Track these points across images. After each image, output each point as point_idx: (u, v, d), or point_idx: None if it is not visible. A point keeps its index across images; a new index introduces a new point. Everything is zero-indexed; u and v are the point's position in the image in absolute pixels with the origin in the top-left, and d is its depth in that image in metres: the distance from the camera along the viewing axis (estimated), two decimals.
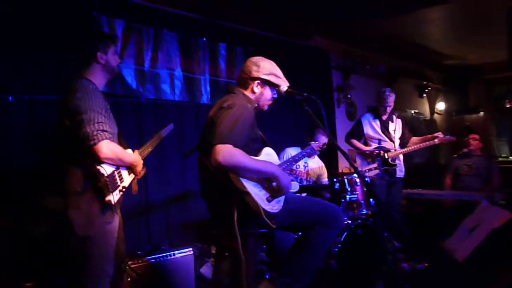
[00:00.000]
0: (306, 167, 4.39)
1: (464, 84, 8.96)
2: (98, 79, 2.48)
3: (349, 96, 6.27)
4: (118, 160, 2.37)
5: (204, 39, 4.44)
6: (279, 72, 2.59)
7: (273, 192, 2.37)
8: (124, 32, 3.81)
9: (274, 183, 2.37)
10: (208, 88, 4.46)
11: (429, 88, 7.95)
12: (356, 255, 3.39)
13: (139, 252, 3.38)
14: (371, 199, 3.71)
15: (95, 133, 2.25)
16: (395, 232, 4.09)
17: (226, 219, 2.30)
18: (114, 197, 2.35)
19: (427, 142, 4.58)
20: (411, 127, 7.33)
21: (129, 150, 2.59)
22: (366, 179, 3.78)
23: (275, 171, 2.35)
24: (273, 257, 2.88)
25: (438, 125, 8.62)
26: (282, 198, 2.43)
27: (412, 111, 7.85)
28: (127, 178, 2.50)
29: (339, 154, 5.93)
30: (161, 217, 4.06)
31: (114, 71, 2.59)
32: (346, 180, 3.64)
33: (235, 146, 2.19)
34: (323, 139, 4.15)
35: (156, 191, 4.04)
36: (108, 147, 2.28)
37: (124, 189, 2.46)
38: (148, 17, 4.01)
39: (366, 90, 6.55)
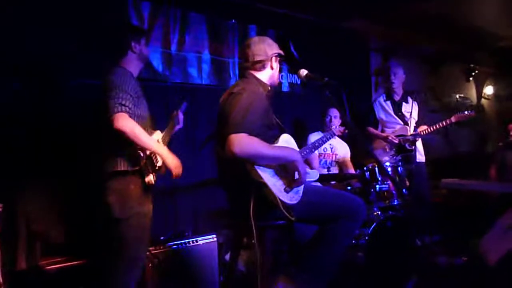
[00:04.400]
0: (334, 151, 4.23)
1: None
2: (132, 67, 2.67)
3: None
4: (134, 137, 2.39)
5: (234, 21, 4.32)
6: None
7: (290, 182, 2.26)
8: (150, 14, 3.74)
9: (290, 173, 2.26)
10: (237, 72, 4.34)
11: (477, 71, 7.46)
12: (386, 247, 3.23)
13: (161, 238, 3.35)
14: (403, 190, 3.52)
15: (114, 105, 2.36)
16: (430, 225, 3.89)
17: (243, 210, 2.23)
18: (153, 177, 2.49)
19: (443, 122, 4.25)
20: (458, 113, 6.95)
21: (158, 132, 2.73)
22: (388, 168, 3.56)
23: (294, 156, 2.26)
24: (294, 250, 2.78)
25: (485, 111, 8.14)
26: (301, 189, 2.32)
27: (458, 96, 7.43)
28: (159, 159, 2.58)
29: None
30: (188, 202, 4.02)
31: (146, 59, 2.82)
32: (376, 168, 3.45)
33: (250, 134, 2.10)
34: (336, 121, 4.09)
35: (184, 175, 3.99)
36: (124, 120, 2.35)
37: (158, 170, 2.57)
38: None
39: (408, 73, 6.19)
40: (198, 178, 4.04)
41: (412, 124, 4.39)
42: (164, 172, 2.73)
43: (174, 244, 3.24)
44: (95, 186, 2.61)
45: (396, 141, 4.25)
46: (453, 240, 4.09)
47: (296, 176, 2.24)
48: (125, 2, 3.62)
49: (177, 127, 2.99)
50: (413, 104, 4.46)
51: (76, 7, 3.33)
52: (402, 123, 4.41)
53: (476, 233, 3.42)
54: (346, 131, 3.87)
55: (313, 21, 5.05)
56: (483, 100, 8.11)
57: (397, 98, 4.48)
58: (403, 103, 4.46)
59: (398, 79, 4.45)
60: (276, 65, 2.53)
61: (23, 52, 3.14)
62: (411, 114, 4.39)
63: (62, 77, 3.32)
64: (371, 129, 4.58)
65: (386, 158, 3.79)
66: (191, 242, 3.31)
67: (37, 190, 3.15)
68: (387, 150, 4.31)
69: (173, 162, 2.55)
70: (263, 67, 2.48)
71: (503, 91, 8.38)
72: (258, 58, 2.46)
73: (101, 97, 2.48)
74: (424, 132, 4.29)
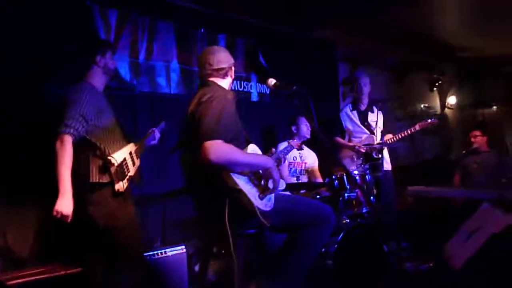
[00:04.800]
0: (303, 159, 4.26)
1: (480, 77, 8.67)
2: (97, 80, 2.73)
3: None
4: (57, 160, 2.43)
5: (202, 30, 4.31)
6: None
7: (264, 190, 2.26)
8: (118, 22, 3.69)
9: (263, 181, 2.26)
10: None
11: (440, 82, 7.70)
12: (355, 255, 3.25)
13: None
14: (371, 197, 3.57)
15: (60, 125, 2.45)
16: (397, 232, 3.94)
17: (215, 218, 2.21)
18: (123, 185, 2.56)
19: (408, 130, 4.39)
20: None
21: (132, 145, 2.82)
22: (356, 177, 3.61)
23: (269, 163, 2.27)
24: (265, 258, 2.77)
25: (449, 120, 8.38)
26: (272, 196, 2.32)
27: (422, 105, 7.63)
28: (131, 168, 2.70)
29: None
30: (155, 213, 3.96)
31: (111, 73, 2.85)
32: (345, 177, 3.49)
33: (225, 140, 2.09)
34: (305, 129, 4.12)
35: (151, 185, 3.93)
36: (61, 142, 2.43)
37: (130, 178, 2.66)
38: (144, 7, 3.89)
39: (374, 83, 6.30)
40: (166, 187, 3.99)
41: (378, 133, 4.50)
42: (139, 182, 2.85)
43: None
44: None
45: (363, 150, 4.32)
46: (419, 246, 4.14)
47: (271, 183, 2.24)
48: (92, 9, 3.56)
49: (152, 142, 3.11)
50: (379, 114, 4.55)
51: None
52: (368, 132, 4.49)
53: (441, 239, 3.49)
54: (304, 138, 3.95)
55: (281, 31, 5.11)
56: (446, 109, 8.35)
57: (363, 108, 4.56)
58: (369, 113, 4.55)
59: (365, 89, 4.53)
60: (233, 74, 2.55)
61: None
62: (376, 123, 4.49)
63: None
64: (338, 139, 4.65)
65: (354, 167, 3.84)
66: (159, 253, 3.25)
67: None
68: (355, 159, 4.35)
69: (60, 206, 2.42)
70: (224, 75, 2.48)
71: (466, 100, 8.65)
72: (222, 65, 2.46)
73: None
74: (390, 140, 4.39)
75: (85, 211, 2.52)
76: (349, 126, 4.61)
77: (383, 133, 4.53)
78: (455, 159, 7.51)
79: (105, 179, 2.51)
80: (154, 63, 3.96)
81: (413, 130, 4.38)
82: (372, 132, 4.47)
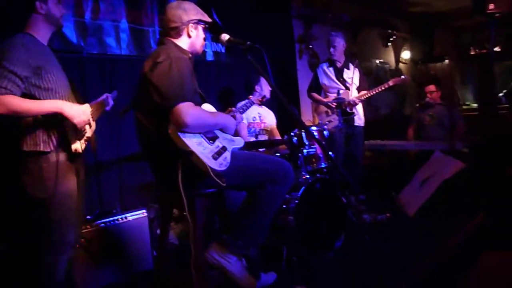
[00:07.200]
0: (262, 119, 4.23)
1: (430, 32, 8.84)
2: (40, 32, 2.31)
3: (311, 46, 6.04)
4: (15, 113, 2.07)
5: None
6: (200, 10, 2.48)
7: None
8: None
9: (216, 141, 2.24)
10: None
11: (394, 37, 7.80)
12: (315, 209, 3.31)
13: (88, 217, 3.20)
14: (330, 152, 3.61)
15: None
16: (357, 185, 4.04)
17: (171, 181, 2.17)
18: (80, 146, 2.30)
19: (382, 86, 4.50)
20: (377, 77, 7.25)
21: (86, 105, 2.39)
22: (325, 132, 3.65)
23: (233, 123, 2.43)
24: (225, 217, 2.77)
25: (403, 75, 8.53)
26: (229, 154, 2.30)
27: (377, 61, 7.72)
28: (88, 129, 2.38)
29: (301, 106, 5.78)
30: (112, 179, 3.86)
31: (57, 22, 2.39)
32: (303, 133, 3.50)
33: (192, 102, 2.10)
34: (267, 88, 4.05)
35: (106, 151, 3.81)
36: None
37: (88, 140, 2.38)
38: None
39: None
40: (122, 152, 3.89)
41: (354, 89, 4.60)
42: (95, 149, 2.62)
43: (102, 223, 3.12)
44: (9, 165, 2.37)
45: (334, 106, 4.48)
46: (376, 198, 4.27)
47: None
48: None
49: (106, 108, 2.76)
50: (355, 70, 4.67)
51: None
52: (343, 88, 4.55)
53: (396, 190, 3.61)
54: (265, 98, 3.86)
55: None
56: (400, 64, 8.49)
57: (339, 65, 4.63)
58: (345, 69, 4.64)
59: (339, 49, 4.58)
60: (195, 32, 2.42)
61: None
62: (352, 80, 4.57)
63: None
64: (314, 94, 4.78)
65: (328, 121, 3.86)
66: (120, 219, 3.21)
67: None
68: (329, 113, 4.50)
69: (73, 111, 2.22)
70: (178, 35, 2.39)
71: (419, 55, 8.82)
72: (172, 25, 2.37)
73: None
74: (364, 96, 4.51)
75: (19, 180, 2.25)
76: (325, 81, 4.68)
77: (359, 89, 4.61)
78: (409, 113, 7.73)
79: (41, 149, 2.20)
80: (102, 22, 3.73)
81: (386, 86, 4.50)
82: (347, 88, 4.55)
